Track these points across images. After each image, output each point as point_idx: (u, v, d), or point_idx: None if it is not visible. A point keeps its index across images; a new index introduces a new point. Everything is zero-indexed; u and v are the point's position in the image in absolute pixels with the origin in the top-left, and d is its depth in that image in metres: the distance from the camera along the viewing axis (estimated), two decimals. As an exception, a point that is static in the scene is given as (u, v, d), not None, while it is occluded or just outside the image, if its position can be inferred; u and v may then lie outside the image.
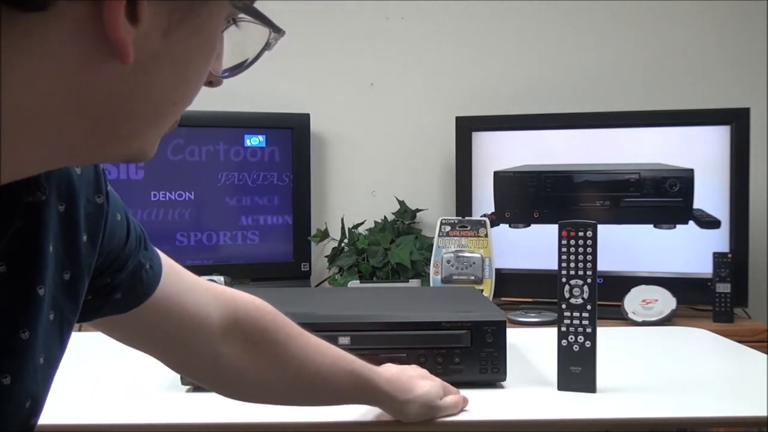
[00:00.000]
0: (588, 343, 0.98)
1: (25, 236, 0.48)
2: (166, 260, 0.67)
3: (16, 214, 0.44)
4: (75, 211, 0.53)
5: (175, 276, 0.67)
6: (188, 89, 0.44)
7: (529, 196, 2.15)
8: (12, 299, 0.48)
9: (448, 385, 0.94)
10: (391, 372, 0.87)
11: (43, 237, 0.49)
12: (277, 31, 0.46)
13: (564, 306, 0.99)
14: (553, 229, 1.00)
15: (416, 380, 0.89)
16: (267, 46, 0.48)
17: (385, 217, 2.30)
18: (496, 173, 2.16)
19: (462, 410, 0.91)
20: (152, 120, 0.43)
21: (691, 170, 2.03)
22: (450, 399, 0.90)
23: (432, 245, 2.09)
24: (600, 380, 0.98)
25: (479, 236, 2.06)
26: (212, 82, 0.47)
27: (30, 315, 0.49)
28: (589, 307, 0.98)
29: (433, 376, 0.93)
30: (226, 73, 0.48)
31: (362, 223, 2.29)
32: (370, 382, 0.83)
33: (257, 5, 0.45)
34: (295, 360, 0.78)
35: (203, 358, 0.72)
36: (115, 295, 0.61)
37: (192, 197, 2.20)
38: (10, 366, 0.48)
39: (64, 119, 0.38)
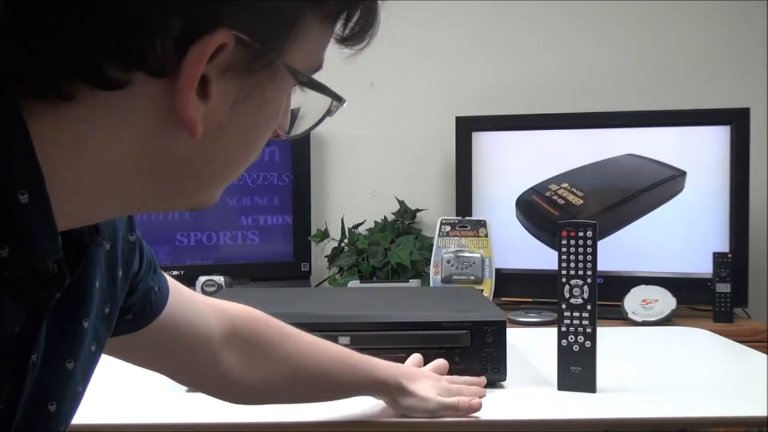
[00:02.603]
0: (588, 343, 0.98)
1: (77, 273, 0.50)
2: (169, 279, 0.71)
3: (82, 258, 0.47)
4: (116, 248, 0.56)
5: (178, 294, 0.71)
6: (251, 151, 0.46)
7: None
8: (61, 331, 0.50)
9: (459, 385, 0.93)
10: (389, 362, 0.89)
11: (92, 274, 0.52)
12: (339, 100, 0.48)
13: (564, 306, 0.99)
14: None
15: (417, 374, 0.91)
16: (328, 113, 0.50)
17: (385, 217, 2.30)
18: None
19: (465, 416, 0.90)
20: (215, 179, 0.46)
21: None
22: (449, 400, 0.89)
23: (432, 245, 2.09)
24: (600, 380, 0.98)
25: (479, 236, 2.05)
26: (278, 136, 0.49)
27: (75, 346, 0.52)
28: (589, 307, 0.98)
29: (437, 376, 0.93)
30: (287, 135, 0.50)
31: (362, 223, 2.29)
32: (369, 370, 0.86)
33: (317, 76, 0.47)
34: (292, 356, 0.81)
35: (209, 367, 0.76)
36: (127, 317, 0.64)
37: (192, 197, 2.19)
38: (56, 394, 0.50)
39: (135, 179, 0.42)
